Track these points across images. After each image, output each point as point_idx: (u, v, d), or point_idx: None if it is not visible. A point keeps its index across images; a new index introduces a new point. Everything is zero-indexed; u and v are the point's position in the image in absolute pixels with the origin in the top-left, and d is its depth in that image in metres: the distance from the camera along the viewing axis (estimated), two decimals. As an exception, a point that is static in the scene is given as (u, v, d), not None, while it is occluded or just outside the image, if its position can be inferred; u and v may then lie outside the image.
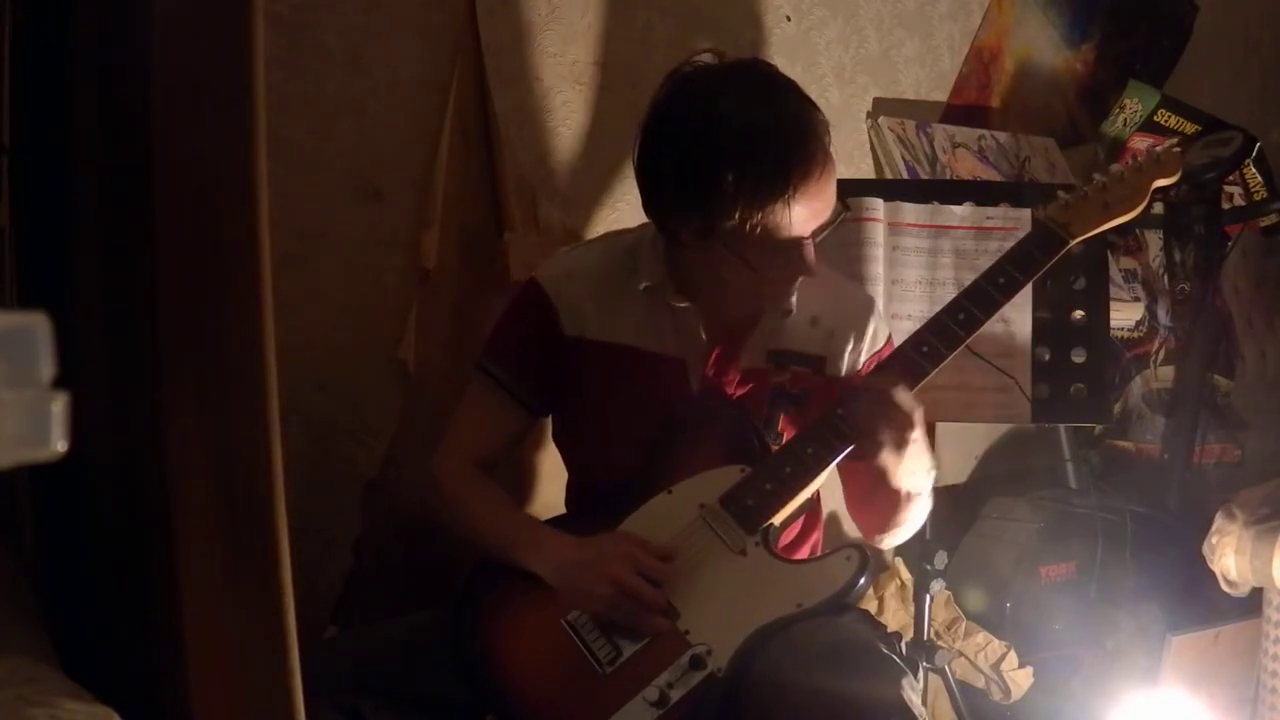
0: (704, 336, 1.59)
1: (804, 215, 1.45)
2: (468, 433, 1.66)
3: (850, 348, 1.65)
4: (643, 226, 1.69)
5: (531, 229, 2.08)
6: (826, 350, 1.64)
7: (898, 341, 1.65)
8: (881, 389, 1.46)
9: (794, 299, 1.60)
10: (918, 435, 1.47)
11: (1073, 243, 1.58)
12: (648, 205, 1.55)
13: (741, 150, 1.41)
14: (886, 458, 1.46)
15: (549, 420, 1.77)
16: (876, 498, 1.59)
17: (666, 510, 1.52)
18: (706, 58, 1.51)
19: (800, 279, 1.54)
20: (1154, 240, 2.90)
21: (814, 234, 1.48)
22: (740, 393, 1.61)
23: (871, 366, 1.65)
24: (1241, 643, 2.38)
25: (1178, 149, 1.66)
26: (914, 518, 1.61)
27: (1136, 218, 1.64)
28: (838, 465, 1.68)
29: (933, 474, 1.57)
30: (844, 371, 1.64)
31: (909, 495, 1.55)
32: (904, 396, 1.45)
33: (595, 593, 1.45)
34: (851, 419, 1.48)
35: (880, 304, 1.95)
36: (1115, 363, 2.76)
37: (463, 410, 1.68)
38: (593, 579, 1.45)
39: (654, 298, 1.60)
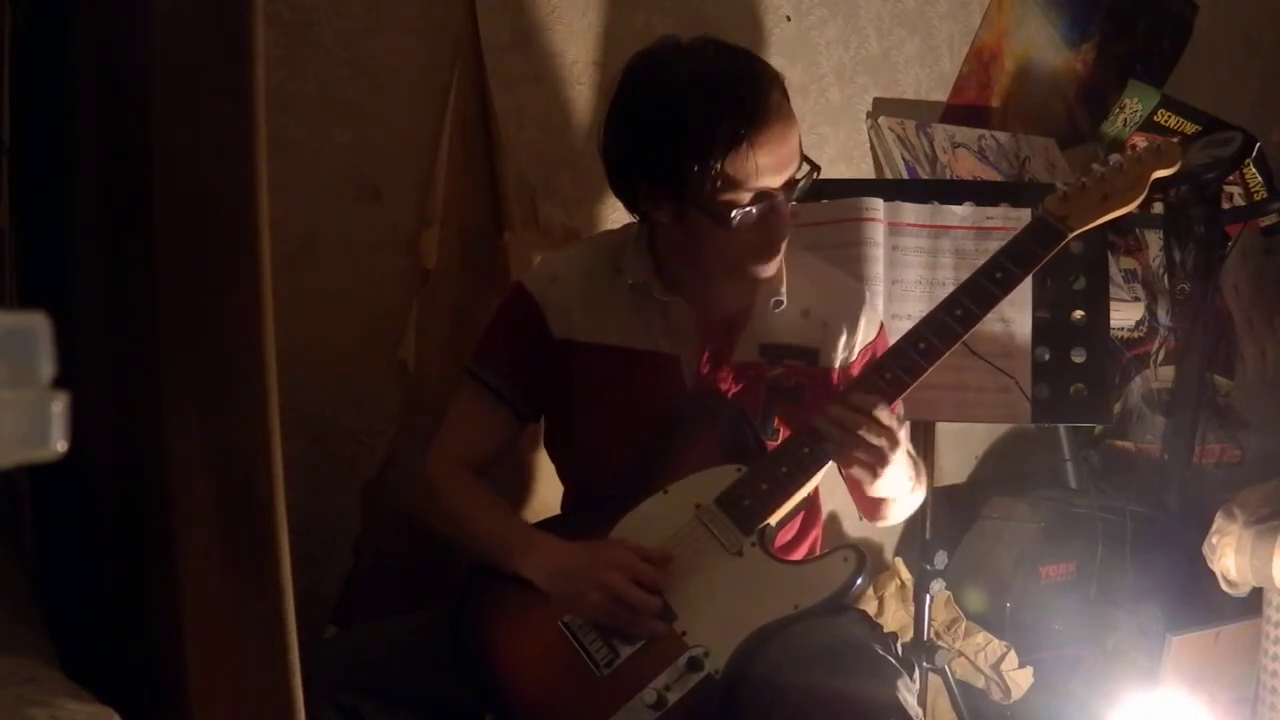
0: (695, 332, 1.59)
1: (768, 162, 1.44)
2: (458, 437, 1.66)
3: (843, 339, 1.65)
4: (626, 226, 1.70)
5: (531, 229, 2.08)
6: (820, 342, 1.64)
7: (894, 339, 1.65)
8: (859, 409, 1.46)
9: (784, 289, 1.60)
10: (899, 456, 1.48)
11: (1071, 235, 1.56)
12: (619, 188, 1.57)
13: (695, 99, 1.43)
14: (862, 474, 1.49)
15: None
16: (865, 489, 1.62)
17: (662, 511, 1.52)
18: (656, 43, 1.54)
19: (783, 249, 1.54)
20: (1154, 240, 2.90)
21: (786, 189, 1.48)
22: (735, 389, 1.60)
23: (865, 357, 1.65)
24: (1241, 643, 2.38)
25: (1177, 141, 1.65)
26: (901, 511, 1.69)
27: (1135, 210, 1.63)
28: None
29: (917, 480, 1.63)
30: (838, 363, 1.64)
31: (888, 500, 1.63)
32: (884, 415, 1.45)
33: (588, 599, 1.45)
34: (831, 435, 1.47)
35: (880, 303, 1.95)
36: (1115, 363, 2.76)
37: (452, 415, 1.68)
38: (585, 585, 1.45)
39: (641, 294, 1.60)
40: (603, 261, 1.64)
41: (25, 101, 1.47)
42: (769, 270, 1.56)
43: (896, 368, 1.50)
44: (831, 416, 1.46)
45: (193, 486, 1.09)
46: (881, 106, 2.57)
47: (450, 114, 1.98)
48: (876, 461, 1.46)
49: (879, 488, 1.53)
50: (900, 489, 1.59)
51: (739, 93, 1.43)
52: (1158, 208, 2.72)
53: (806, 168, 1.50)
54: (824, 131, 2.49)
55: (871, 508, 1.68)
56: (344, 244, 1.93)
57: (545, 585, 1.49)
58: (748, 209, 1.46)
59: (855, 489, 1.67)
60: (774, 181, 1.46)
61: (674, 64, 1.48)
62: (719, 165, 1.42)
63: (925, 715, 2.00)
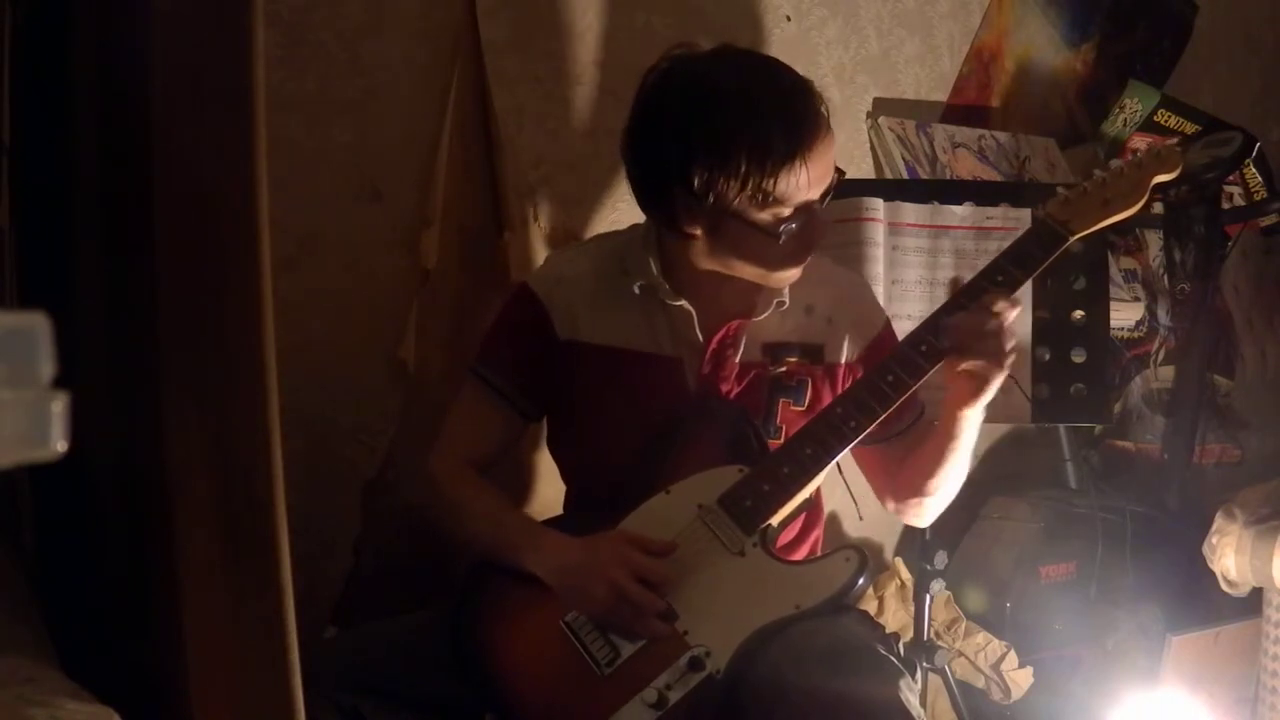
0: (699, 335, 1.59)
1: (816, 174, 1.46)
2: (461, 436, 1.66)
3: (849, 332, 1.65)
4: (632, 228, 1.70)
5: (531, 229, 2.08)
6: (825, 337, 1.64)
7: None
8: (999, 304, 1.45)
9: (786, 289, 1.60)
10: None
11: (1072, 239, 1.56)
12: (652, 200, 1.54)
13: (748, 117, 1.42)
14: (973, 384, 1.45)
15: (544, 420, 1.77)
16: (907, 463, 1.60)
17: (664, 511, 1.52)
18: (680, 51, 1.52)
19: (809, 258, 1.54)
20: (1154, 240, 2.90)
21: (822, 198, 1.49)
22: (738, 389, 1.60)
23: (874, 350, 1.65)
24: (1241, 643, 2.38)
25: (1178, 145, 1.65)
26: (955, 482, 1.59)
27: (1136, 215, 1.63)
28: (854, 455, 1.68)
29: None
30: (844, 358, 1.64)
31: (962, 440, 1.53)
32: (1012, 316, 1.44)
33: (593, 595, 1.45)
34: (955, 331, 1.45)
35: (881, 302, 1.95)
36: (1115, 363, 2.76)
37: (455, 414, 1.68)
38: (590, 581, 1.45)
39: (648, 297, 1.60)
40: (609, 263, 1.64)
41: (25, 101, 1.47)
42: (796, 276, 1.56)
43: (899, 370, 1.50)
44: (957, 319, 1.45)
45: (193, 486, 1.09)
46: (881, 106, 2.57)
47: (450, 114, 1.98)
48: (996, 359, 1.43)
49: (975, 413, 1.48)
50: (972, 441, 1.54)
51: (791, 108, 1.43)
52: (1158, 208, 2.72)
53: (834, 174, 1.51)
54: (824, 131, 2.48)
55: (929, 471, 1.57)
56: (344, 244, 1.93)
57: (550, 580, 1.49)
58: (793, 222, 1.47)
59: (892, 470, 1.64)
60: (817, 193, 1.48)
61: (717, 76, 1.46)
62: (771, 182, 1.43)
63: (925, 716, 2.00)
